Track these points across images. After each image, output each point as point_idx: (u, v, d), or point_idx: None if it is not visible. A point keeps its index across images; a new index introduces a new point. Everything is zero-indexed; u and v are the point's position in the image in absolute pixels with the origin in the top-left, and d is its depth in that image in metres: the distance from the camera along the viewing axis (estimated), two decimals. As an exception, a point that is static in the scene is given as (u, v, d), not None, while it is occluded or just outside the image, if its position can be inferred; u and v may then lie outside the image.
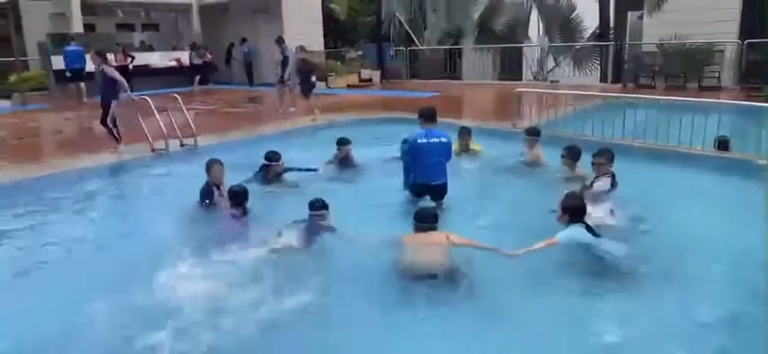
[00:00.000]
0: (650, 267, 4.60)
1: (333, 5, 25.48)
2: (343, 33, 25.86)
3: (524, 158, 7.66)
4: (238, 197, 5.62)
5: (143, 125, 9.24)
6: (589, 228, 4.67)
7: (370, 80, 20.59)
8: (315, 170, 7.37)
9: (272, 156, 7.03)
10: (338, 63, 21.51)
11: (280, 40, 14.04)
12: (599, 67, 18.58)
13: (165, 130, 9.04)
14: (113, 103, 8.97)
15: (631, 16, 17.90)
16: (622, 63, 17.29)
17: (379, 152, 8.48)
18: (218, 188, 6.13)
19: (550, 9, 19.52)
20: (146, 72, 19.94)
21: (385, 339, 3.88)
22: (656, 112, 8.98)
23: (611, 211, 5.38)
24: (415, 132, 6.15)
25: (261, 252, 4.88)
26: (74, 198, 7.27)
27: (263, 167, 7.02)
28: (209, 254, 4.89)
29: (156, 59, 21.21)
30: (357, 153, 7.98)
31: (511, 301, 4.20)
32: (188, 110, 9.95)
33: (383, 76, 20.97)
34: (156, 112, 9.12)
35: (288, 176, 7.16)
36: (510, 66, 20.48)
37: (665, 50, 15.54)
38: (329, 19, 24.34)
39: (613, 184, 5.93)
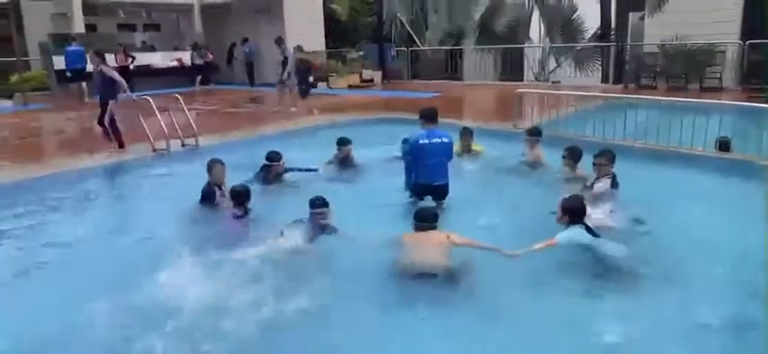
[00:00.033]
0: (650, 267, 4.59)
1: (334, 6, 25.48)
2: (344, 34, 25.85)
3: (525, 159, 7.65)
4: (241, 196, 5.62)
5: (144, 125, 9.25)
6: (589, 229, 4.67)
7: (372, 80, 20.60)
8: (315, 170, 7.38)
9: (274, 156, 7.04)
10: (339, 63, 21.52)
11: (279, 41, 14.08)
12: (600, 68, 18.57)
13: (166, 130, 9.05)
14: (111, 103, 8.97)
15: (633, 17, 17.89)
16: (624, 64, 17.28)
17: (380, 152, 8.49)
18: (220, 188, 6.14)
19: (552, 10, 19.50)
20: (147, 72, 19.97)
21: (385, 339, 3.88)
22: (657, 113, 8.97)
23: (612, 212, 5.38)
24: (416, 133, 6.15)
25: (262, 252, 4.87)
26: (75, 197, 7.28)
27: (265, 167, 7.03)
28: (210, 254, 4.89)
29: (158, 59, 21.22)
30: (358, 153, 7.99)
31: (511, 301, 4.20)
32: (189, 110, 9.96)
33: (384, 77, 20.98)
34: (157, 112, 9.13)
35: (288, 176, 7.17)
36: (511, 67, 20.48)
37: (666, 51, 15.54)
38: (331, 19, 24.34)
39: (614, 185, 5.93)
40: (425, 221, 4.85)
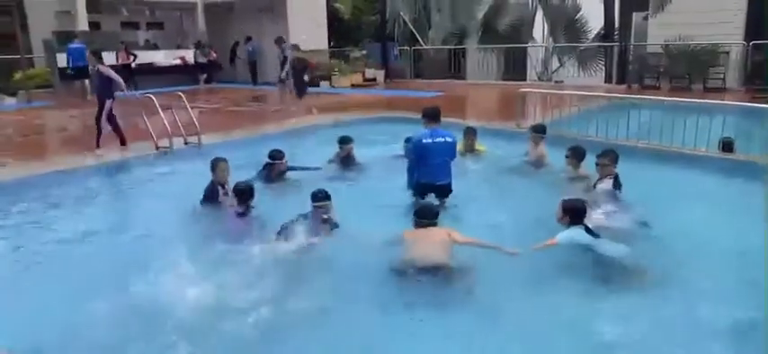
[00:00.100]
0: (652, 268, 4.59)
1: (337, 5, 25.49)
2: (347, 33, 25.86)
3: (528, 157, 7.65)
4: (244, 194, 5.61)
5: (147, 123, 9.27)
6: (589, 229, 4.67)
7: (374, 79, 20.60)
8: (317, 168, 7.39)
9: (276, 155, 7.05)
10: (342, 62, 21.52)
11: (279, 40, 14.13)
12: (603, 68, 18.55)
13: (169, 128, 9.07)
14: (108, 102, 8.97)
15: (636, 17, 17.86)
16: (627, 64, 17.27)
17: (382, 151, 8.50)
18: (223, 186, 6.14)
19: (555, 9, 19.50)
20: (150, 70, 20.00)
21: (385, 339, 3.87)
22: (660, 113, 8.96)
23: (614, 212, 5.37)
24: (419, 132, 6.15)
25: (263, 251, 4.88)
26: (78, 195, 7.29)
27: (267, 165, 7.04)
28: (212, 253, 4.91)
29: (161, 58, 21.25)
30: (359, 152, 7.99)
31: (511, 301, 4.19)
32: (192, 108, 9.98)
33: (387, 76, 20.98)
34: (160, 110, 9.14)
35: (290, 175, 7.18)
36: (514, 67, 20.45)
37: (669, 51, 15.51)
38: (334, 18, 24.35)
39: (617, 185, 5.91)
40: (426, 218, 4.86)
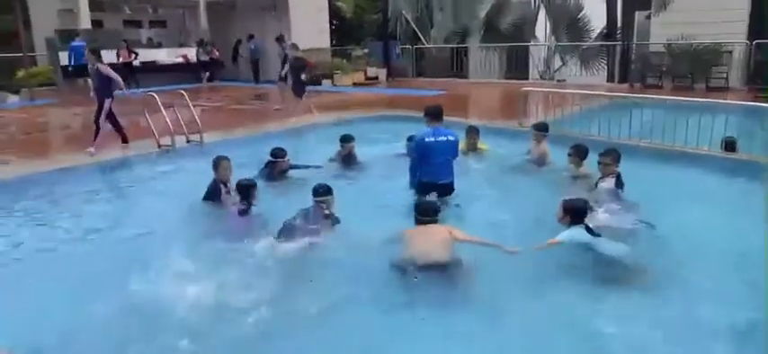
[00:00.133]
0: (653, 267, 4.58)
1: (339, 3, 25.51)
2: (349, 31, 25.88)
3: (530, 155, 7.64)
4: (247, 190, 5.61)
5: (150, 121, 9.28)
6: (589, 229, 4.67)
7: (376, 78, 20.60)
8: (318, 167, 7.39)
9: (278, 153, 7.06)
10: (344, 61, 21.52)
11: (280, 39, 14.17)
12: (606, 67, 18.54)
13: (171, 127, 9.08)
14: (107, 101, 8.98)
15: (639, 16, 17.82)
16: (629, 63, 17.23)
17: (383, 149, 8.50)
18: (226, 185, 6.15)
19: (558, 8, 19.49)
20: (153, 68, 20.03)
21: (385, 338, 3.87)
22: (662, 112, 8.94)
23: (616, 211, 5.37)
24: (422, 131, 6.14)
25: (265, 250, 4.88)
26: (80, 193, 7.30)
27: (269, 164, 7.04)
28: (213, 252, 4.91)
29: (163, 56, 21.29)
30: (361, 150, 7.99)
31: (511, 301, 4.18)
32: (194, 106, 10.00)
33: (389, 74, 20.97)
34: (162, 109, 9.15)
35: (292, 173, 7.18)
36: (516, 65, 20.43)
37: (672, 50, 15.47)
38: (336, 17, 24.36)
39: (619, 184, 5.91)
40: (427, 215, 4.85)
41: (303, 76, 12.22)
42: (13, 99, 16.26)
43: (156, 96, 9.21)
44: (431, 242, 4.56)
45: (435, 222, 4.84)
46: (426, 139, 5.98)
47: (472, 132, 8.12)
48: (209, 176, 6.21)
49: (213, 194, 6.11)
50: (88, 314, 4.03)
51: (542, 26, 20.93)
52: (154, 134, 9.14)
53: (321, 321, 4.05)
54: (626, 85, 16.58)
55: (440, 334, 3.88)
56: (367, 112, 12.72)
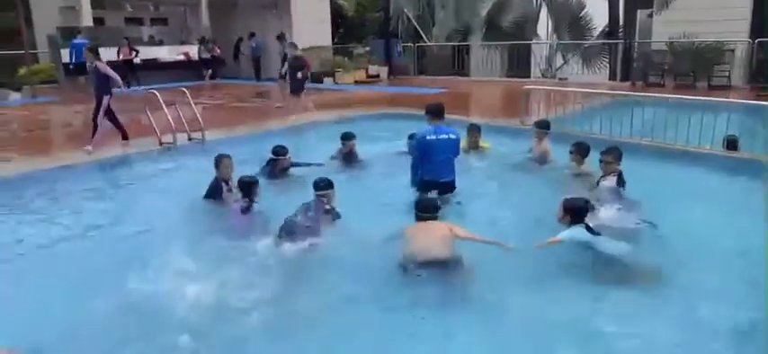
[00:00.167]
0: (654, 266, 4.58)
1: (341, 1, 25.46)
2: (351, 29, 25.84)
3: (532, 153, 7.63)
4: (249, 187, 5.61)
5: (151, 119, 9.28)
6: (589, 228, 4.66)
7: (378, 76, 20.59)
8: (320, 165, 7.40)
9: (280, 151, 7.07)
10: (346, 59, 21.52)
11: (281, 37, 14.19)
12: (608, 65, 18.51)
13: (173, 124, 9.09)
14: (105, 99, 8.98)
15: (641, 14, 17.82)
16: (631, 61, 17.21)
17: (384, 147, 8.50)
18: (227, 183, 6.15)
19: (560, 6, 19.45)
20: (154, 66, 20.03)
21: (387, 337, 3.87)
22: (664, 111, 8.92)
23: (618, 210, 5.36)
24: (423, 129, 6.14)
25: (266, 248, 4.89)
26: (82, 191, 7.31)
27: (271, 161, 7.05)
28: (215, 250, 4.92)
29: (165, 53, 21.29)
30: (362, 148, 7.98)
31: (512, 300, 4.18)
32: (196, 104, 9.99)
33: (391, 73, 20.96)
34: (164, 106, 9.16)
35: (293, 171, 7.19)
36: (518, 64, 20.43)
37: (674, 49, 15.45)
38: (338, 15, 24.33)
39: (621, 183, 5.90)
40: (427, 211, 4.84)
41: (299, 75, 12.24)
42: (14, 96, 16.27)
43: (157, 94, 9.21)
44: (431, 238, 4.55)
45: (435, 219, 4.84)
46: (428, 137, 5.97)
47: (473, 130, 8.11)
48: (210, 174, 6.22)
49: (214, 192, 6.11)
50: (89, 312, 4.03)
51: (544, 24, 20.90)
52: (155, 131, 9.14)
53: (322, 319, 4.05)
54: (628, 84, 16.56)
55: (440, 333, 3.88)
56: (368, 110, 12.72)
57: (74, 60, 16.48)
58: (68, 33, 17.71)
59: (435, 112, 6.15)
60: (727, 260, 4.71)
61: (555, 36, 20.03)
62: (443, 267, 4.40)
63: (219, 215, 5.92)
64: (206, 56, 20.86)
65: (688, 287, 4.31)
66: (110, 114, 9.13)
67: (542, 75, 19.63)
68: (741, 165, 7.28)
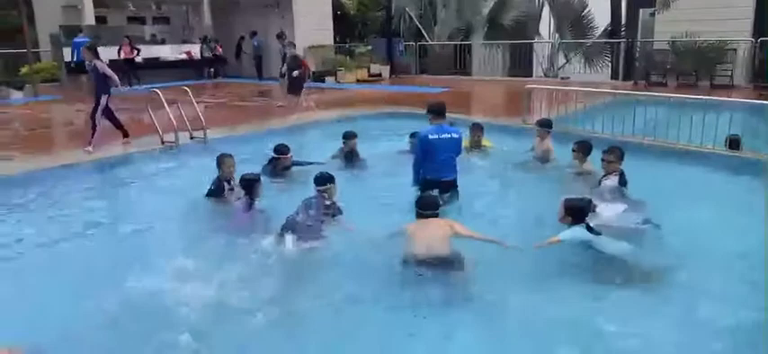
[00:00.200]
0: (655, 266, 4.58)
1: (343, 0, 25.44)
2: (352, 28, 25.83)
3: (534, 152, 7.63)
4: (251, 185, 5.62)
5: (153, 118, 9.29)
6: (590, 228, 4.66)
7: (380, 75, 20.58)
8: (321, 163, 7.39)
9: (282, 150, 7.07)
10: (347, 58, 21.51)
11: (280, 36, 14.19)
12: (610, 65, 18.48)
13: (175, 123, 9.09)
14: (104, 98, 8.97)
15: (643, 13, 17.76)
16: (633, 60, 17.18)
17: (386, 146, 8.49)
18: (229, 183, 6.16)
19: (562, 5, 19.42)
20: (156, 65, 20.06)
21: (387, 336, 3.87)
22: (666, 110, 8.91)
23: (619, 209, 5.34)
24: (425, 128, 6.13)
25: (268, 247, 4.88)
26: (84, 190, 7.32)
27: (272, 160, 7.06)
28: (216, 249, 4.93)
29: (167, 52, 21.32)
30: (363, 147, 7.98)
31: (513, 300, 4.18)
32: (198, 103, 9.99)
33: (392, 72, 20.94)
34: (166, 105, 9.16)
35: (295, 169, 7.19)
36: (520, 63, 20.39)
37: (676, 48, 15.40)
38: (339, 13, 24.32)
39: (622, 182, 5.89)
40: (428, 209, 4.84)
41: (294, 74, 12.23)
42: (17, 95, 16.29)
43: (159, 93, 9.22)
44: (431, 235, 4.55)
45: (436, 216, 4.84)
46: (429, 136, 5.97)
47: (476, 129, 8.11)
48: (212, 172, 6.22)
49: (216, 191, 6.12)
50: (90, 311, 4.05)
51: (546, 23, 20.89)
52: (158, 130, 9.15)
53: (322, 318, 4.06)
54: (630, 83, 16.52)
55: (441, 333, 3.88)
56: (370, 109, 12.72)
57: (75, 59, 16.51)
58: (71, 32, 17.76)
59: (437, 111, 6.14)
60: (729, 260, 4.69)
61: (557, 35, 20.01)
62: (444, 264, 4.39)
63: (221, 213, 5.93)
64: (208, 55, 20.88)
65: (689, 286, 4.30)
66: (108, 113, 9.12)
67: (544, 75, 19.61)
68: (743, 165, 7.26)
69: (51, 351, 3.69)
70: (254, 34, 21.27)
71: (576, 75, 18.58)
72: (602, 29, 19.25)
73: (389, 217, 5.49)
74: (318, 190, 5.24)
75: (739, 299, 4.13)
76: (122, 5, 22.53)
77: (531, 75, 19.63)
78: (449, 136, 6.00)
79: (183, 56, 21.45)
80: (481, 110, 12.76)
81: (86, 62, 9.46)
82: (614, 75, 18.05)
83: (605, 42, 18.68)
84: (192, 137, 9.37)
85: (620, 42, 17.94)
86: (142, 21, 22.93)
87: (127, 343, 3.78)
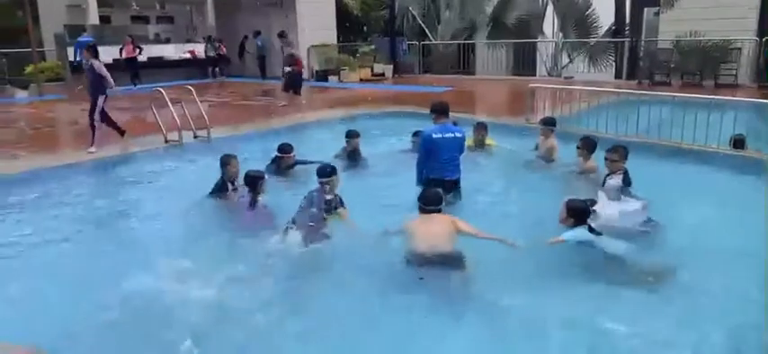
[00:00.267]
0: (657, 266, 4.57)
1: (346, -1, 25.45)
2: (356, 27, 25.82)
3: (538, 151, 7.63)
4: (255, 182, 5.62)
5: (157, 117, 9.31)
6: (592, 229, 4.65)
7: (383, 74, 20.57)
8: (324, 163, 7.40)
9: (285, 148, 7.09)
10: (351, 57, 21.51)
11: (282, 35, 14.24)
12: (614, 64, 18.43)
13: (178, 122, 9.11)
14: (100, 99, 8.97)
15: (647, 12, 17.71)
16: (638, 60, 17.13)
17: (388, 145, 8.49)
18: (233, 183, 6.16)
19: (566, 4, 19.36)
20: (160, 64, 20.10)
21: (388, 336, 3.87)
22: (670, 109, 8.88)
23: (623, 209, 5.32)
24: (429, 127, 6.13)
25: (270, 247, 4.90)
26: (87, 189, 7.35)
27: (276, 159, 7.07)
28: (220, 248, 4.95)
29: (171, 51, 21.37)
30: (366, 146, 7.98)
31: (514, 300, 4.16)
32: (201, 102, 10.02)
33: (396, 71, 20.93)
34: (170, 104, 9.18)
35: (298, 168, 7.20)
36: (524, 62, 20.35)
37: (680, 47, 15.35)
38: (343, 13, 24.31)
39: (626, 181, 5.89)
40: (431, 204, 4.82)
41: (286, 70, 12.26)
42: (21, 94, 16.36)
43: (163, 92, 9.24)
44: (434, 232, 4.54)
45: (439, 211, 4.82)
46: (433, 136, 5.96)
47: (480, 128, 8.11)
48: (216, 171, 6.22)
49: (220, 190, 6.13)
50: (92, 309, 4.06)
51: (550, 22, 20.83)
52: (161, 129, 9.17)
53: (324, 317, 4.06)
54: (634, 82, 16.46)
55: (442, 332, 3.88)
56: (373, 109, 12.72)
57: (79, 58, 16.54)
58: (75, 31, 17.80)
59: (440, 111, 6.13)
60: (732, 259, 4.67)
61: (561, 34, 19.96)
62: (446, 261, 4.38)
63: (225, 212, 5.93)
64: (212, 54, 20.92)
65: (692, 286, 4.30)
66: (102, 114, 9.08)
67: (548, 74, 19.57)
68: (748, 164, 7.24)
69: (66, 351, 3.70)
70: (257, 34, 21.29)
71: (580, 74, 18.53)
72: (606, 28, 19.19)
73: (392, 217, 5.46)
74: (321, 182, 5.23)
75: (742, 299, 4.12)
76: (126, 5, 22.59)
77: (534, 75, 19.59)
78: (452, 135, 5.99)
79: (187, 55, 21.51)
80: (485, 110, 12.74)
81: (83, 61, 9.45)
82: (618, 75, 18.02)
83: (609, 41, 18.62)
84: (195, 136, 9.39)
85: (624, 41, 17.89)
86: (146, 20, 22.97)
87: (128, 341, 3.79)
